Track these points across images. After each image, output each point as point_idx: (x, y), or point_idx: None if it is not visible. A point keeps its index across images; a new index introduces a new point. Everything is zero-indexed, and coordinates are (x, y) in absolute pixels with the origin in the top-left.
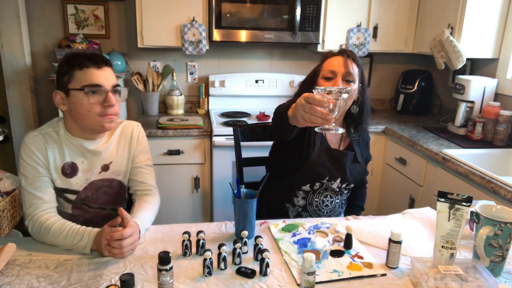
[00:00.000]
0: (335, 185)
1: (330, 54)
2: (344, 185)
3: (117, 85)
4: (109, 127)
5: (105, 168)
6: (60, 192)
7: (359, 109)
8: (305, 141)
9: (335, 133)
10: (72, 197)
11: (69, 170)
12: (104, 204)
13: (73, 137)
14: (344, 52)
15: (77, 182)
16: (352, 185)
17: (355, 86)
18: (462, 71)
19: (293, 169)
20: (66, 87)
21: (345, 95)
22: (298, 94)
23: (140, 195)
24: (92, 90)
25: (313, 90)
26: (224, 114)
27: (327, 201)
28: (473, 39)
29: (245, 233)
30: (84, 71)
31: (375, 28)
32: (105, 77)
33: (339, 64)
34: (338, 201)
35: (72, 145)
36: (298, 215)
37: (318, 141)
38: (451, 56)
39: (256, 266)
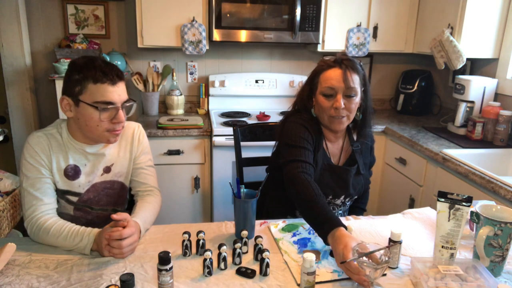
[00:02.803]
0: (339, 201)
1: (326, 66)
2: (347, 200)
3: (127, 101)
4: (114, 141)
5: (107, 170)
6: (62, 194)
7: (363, 116)
8: None
9: (337, 146)
10: (74, 199)
11: (72, 173)
12: (106, 206)
13: (75, 141)
14: (341, 63)
15: (80, 185)
16: (356, 197)
17: (357, 99)
18: (462, 71)
19: None
20: (76, 96)
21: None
22: (295, 105)
23: (141, 196)
24: (104, 107)
25: (352, 253)
26: (224, 114)
27: None
28: (473, 39)
29: (245, 233)
30: (98, 86)
31: (375, 28)
32: (118, 94)
33: (338, 79)
34: (341, 211)
35: (74, 148)
36: None
37: (320, 159)
38: (451, 56)
39: (256, 266)
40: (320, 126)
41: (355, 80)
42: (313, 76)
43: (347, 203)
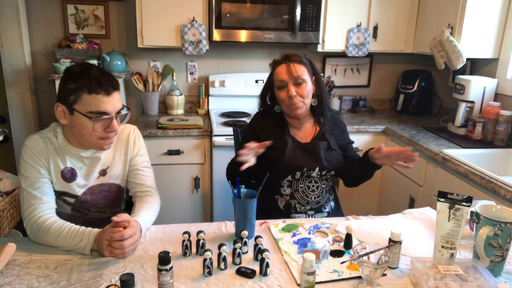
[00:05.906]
0: (315, 173)
1: (276, 64)
2: (324, 173)
3: (121, 109)
4: (107, 148)
5: (103, 173)
6: (59, 195)
7: (319, 100)
8: (275, 147)
9: (304, 131)
10: (71, 200)
11: (69, 175)
12: (103, 208)
13: (70, 146)
14: (286, 59)
15: (76, 187)
16: (333, 172)
17: (308, 86)
18: (462, 71)
19: (274, 165)
20: (71, 105)
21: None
22: (260, 106)
23: (140, 197)
24: (98, 117)
25: (354, 257)
26: (224, 114)
27: (313, 186)
28: (473, 39)
29: (245, 233)
30: (92, 96)
31: (375, 28)
32: (113, 104)
33: (284, 72)
34: (324, 186)
35: (70, 152)
36: (287, 205)
37: (289, 139)
38: (451, 56)
39: (256, 266)
40: (284, 117)
41: (300, 70)
42: (269, 77)
43: (328, 177)
